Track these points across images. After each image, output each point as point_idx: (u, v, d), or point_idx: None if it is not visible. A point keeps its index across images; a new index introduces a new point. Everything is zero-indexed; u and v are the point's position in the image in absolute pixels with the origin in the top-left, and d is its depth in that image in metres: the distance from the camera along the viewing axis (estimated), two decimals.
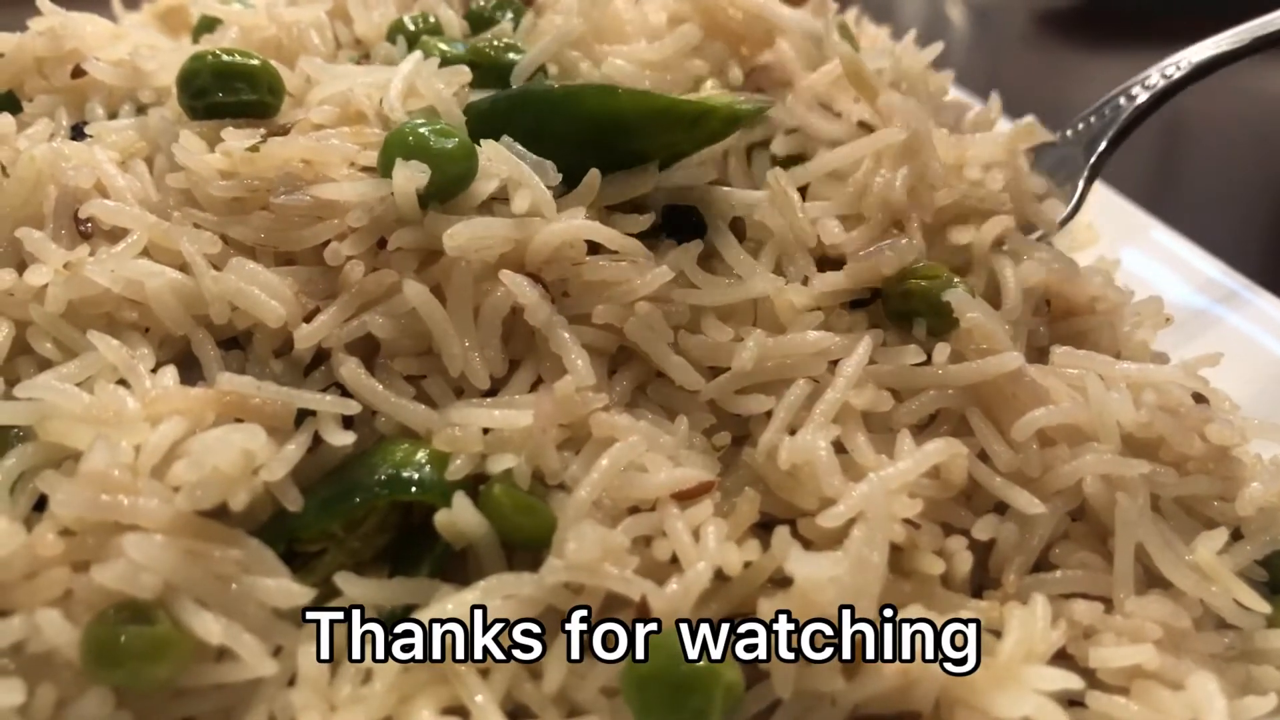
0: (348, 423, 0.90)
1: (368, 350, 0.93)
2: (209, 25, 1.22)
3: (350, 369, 0.90)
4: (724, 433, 0.95)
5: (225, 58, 1.03)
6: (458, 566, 0.88)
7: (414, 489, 0.87)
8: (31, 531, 0.80)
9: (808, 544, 0.86)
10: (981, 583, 0.92)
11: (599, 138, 0.99)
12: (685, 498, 0.86)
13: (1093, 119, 1.36)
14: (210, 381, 0.90)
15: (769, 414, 0.93)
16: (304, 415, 0.89)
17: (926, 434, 0.94)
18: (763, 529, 0.87)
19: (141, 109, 1.13)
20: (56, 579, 0.79)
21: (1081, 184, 1.30)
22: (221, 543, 0.82)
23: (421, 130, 0.93)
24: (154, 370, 0.90)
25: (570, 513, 0.85)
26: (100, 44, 1.18)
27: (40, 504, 0.84)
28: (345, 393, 0.91)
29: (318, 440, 0.88)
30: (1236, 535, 0.95)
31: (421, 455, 0.88)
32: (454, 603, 0.83)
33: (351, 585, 0.84)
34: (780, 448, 0.89)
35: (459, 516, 0.85)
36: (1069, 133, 1.36)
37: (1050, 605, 0.87)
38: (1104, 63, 3.79)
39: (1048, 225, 1.18)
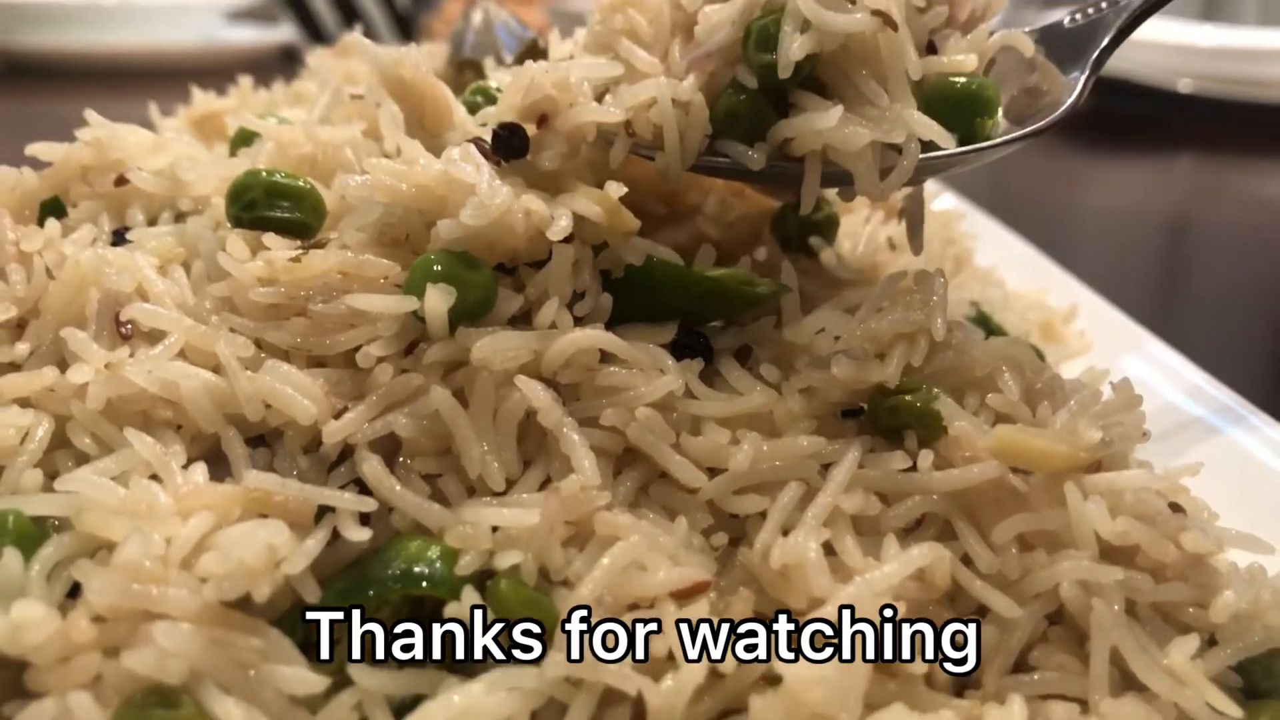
0: (365, 519, 0.95)
1: (389, 449, 0.98)
2: (246, 139, 1.29)
3: (372, 466, 0.95)
4: (721, 533, 0.99)
5: (279, 178, 1.10)
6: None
7: (425, 584, 0.91)
8: (65, 618, 0.84)
9: None
10: (963, 683, 0.95)
11: (625, 291, 1.07)
12: (683, 596, 0.90)
13: (1104, 3, 1.23)
14: (237, 478, 0.95)
15: (764, 515, 0.97)
16: (324, 511, 0.94)
17: (913, 537, 0.98)
18: None
19: (180, 216, 1.20)
20: (88, 664, 0.83)
21: (1085, 75, 1.18)
22: (244, 631, 0.86)
23: (446, 258, 0.99)
24: (185, 466, 0.95)
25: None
26: (142, 154, 1.25)
27: (73, 591, 0.88)
28: (364, 490, 0.95)
29: (336, 535, 0.93)
30: (1211, 641, 0.97)
31: (433, 551, 0.92)
32: (460, 694, 0.86)
33: (364, 675, 0.88)
34: (773, 548, 0.93)
35: (466, 610, 0.89)
36: (1077, 15, 1.24)
37: (1028, 705, 0.90)
38: (1107, 167, 3.87)
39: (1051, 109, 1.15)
